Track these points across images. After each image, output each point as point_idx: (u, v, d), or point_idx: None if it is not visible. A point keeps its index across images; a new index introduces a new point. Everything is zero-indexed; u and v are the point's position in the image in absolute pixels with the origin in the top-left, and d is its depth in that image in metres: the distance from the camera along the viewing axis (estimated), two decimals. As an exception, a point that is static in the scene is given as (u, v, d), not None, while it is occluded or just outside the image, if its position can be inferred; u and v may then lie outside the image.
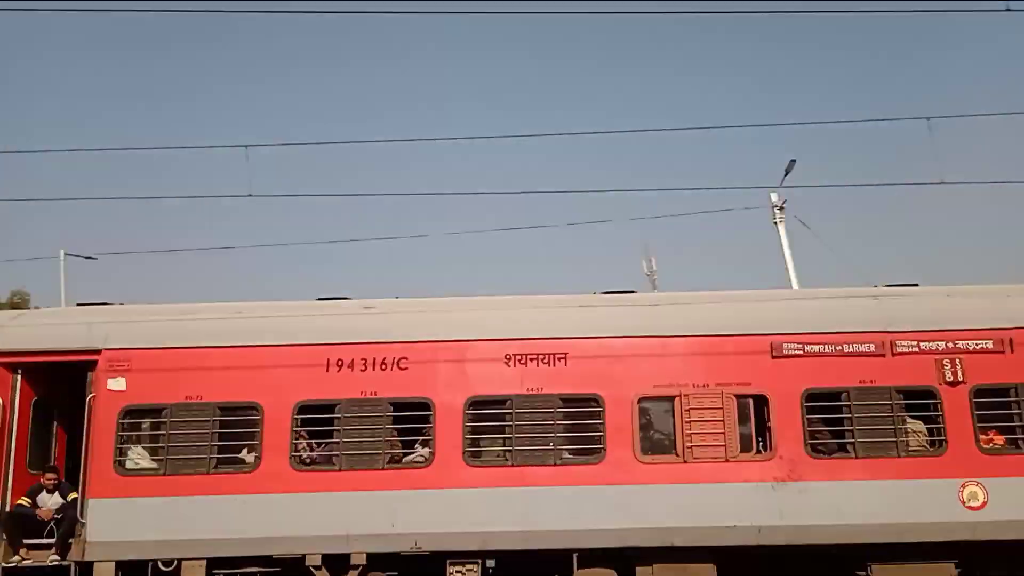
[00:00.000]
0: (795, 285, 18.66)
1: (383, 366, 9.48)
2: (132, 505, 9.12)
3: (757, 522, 9.15)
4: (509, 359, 9.55)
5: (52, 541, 9.34)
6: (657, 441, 9.48)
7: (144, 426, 9.40)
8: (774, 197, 19.86)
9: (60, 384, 10.07)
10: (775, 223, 19.81)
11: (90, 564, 9.06)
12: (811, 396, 9.48)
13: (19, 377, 9.56)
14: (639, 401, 9.44)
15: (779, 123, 41.31)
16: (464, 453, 9.28)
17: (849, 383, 9.50)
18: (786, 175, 19.87)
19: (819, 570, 9.60)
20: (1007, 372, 9.53)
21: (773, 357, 9.60)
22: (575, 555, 9.26)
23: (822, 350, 9.61)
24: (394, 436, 9.41)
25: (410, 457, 9.42)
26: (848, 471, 9.30)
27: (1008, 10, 9.20)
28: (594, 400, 9.44)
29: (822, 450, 9.49)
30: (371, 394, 9.40)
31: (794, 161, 19.50)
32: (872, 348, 9.62)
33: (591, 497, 9.20)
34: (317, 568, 9.12)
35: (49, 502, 9.53)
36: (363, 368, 9.47)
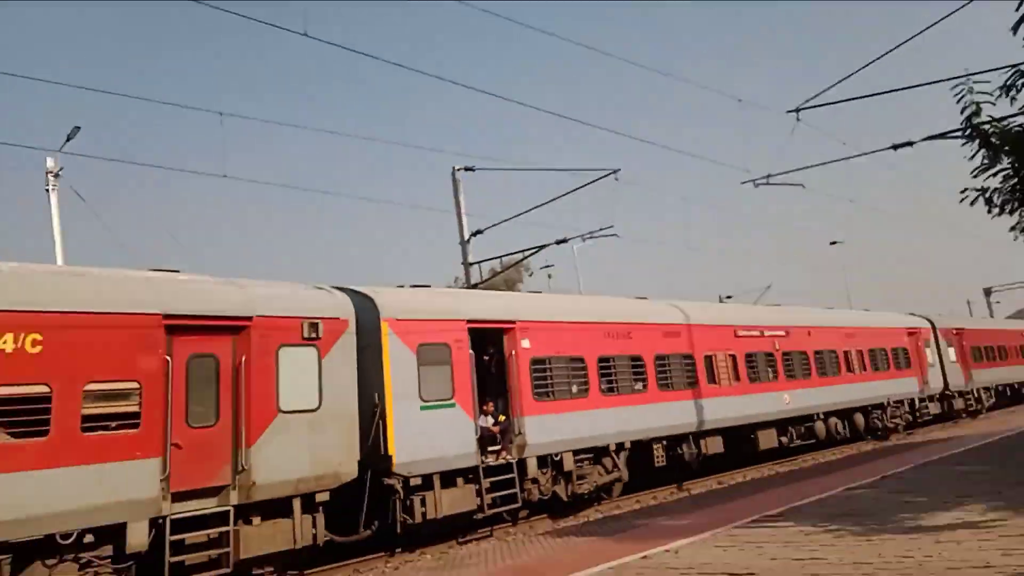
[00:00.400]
0: (60, 260, 18.27)
1: (625, 335, 16.47)
2: (543, 420, 14.19)
3: (734, 414, 19.10)
4: (678, 331, 17.58)
5: (498, 448, 13.58)
6: (712, 376, 18.64)
7: (541, 370, 14.38)
8: (50, 162, 18.89)
9: (454, 340, 13.92)
10: (48, 190, 18.81)
11: (523, 460, 13.80)
12: (748, 355, 19.94)
13: (452, 338, 13.42)
14: (704, 357, 18.49)
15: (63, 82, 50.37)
16: (657, 385, 16.94)
17: (748, 350, 20.31)
18: (67, 141, 19.27)
19: (738, 437, 19.93)
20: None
21: (736, 336, 19.80)
22: (691, 435, 17.75)
23: (751, 334, 20.23)
24: (633, 374, 16.45)
25: (638, 387, 16.58)
26: (739, 391, 20.00)
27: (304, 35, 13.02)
28: (690, 357, 18.14)
29: (753, 379, 20.00)
30: (627, 351, 16.30)
31: (78, 128, 18.93)
32: (759, 333, 20.66)
33: (691, 406, 17.86)
34: (611, 450, 15.62)
35: (489, 423, 13.62)
36: (623, 336, 16.30)
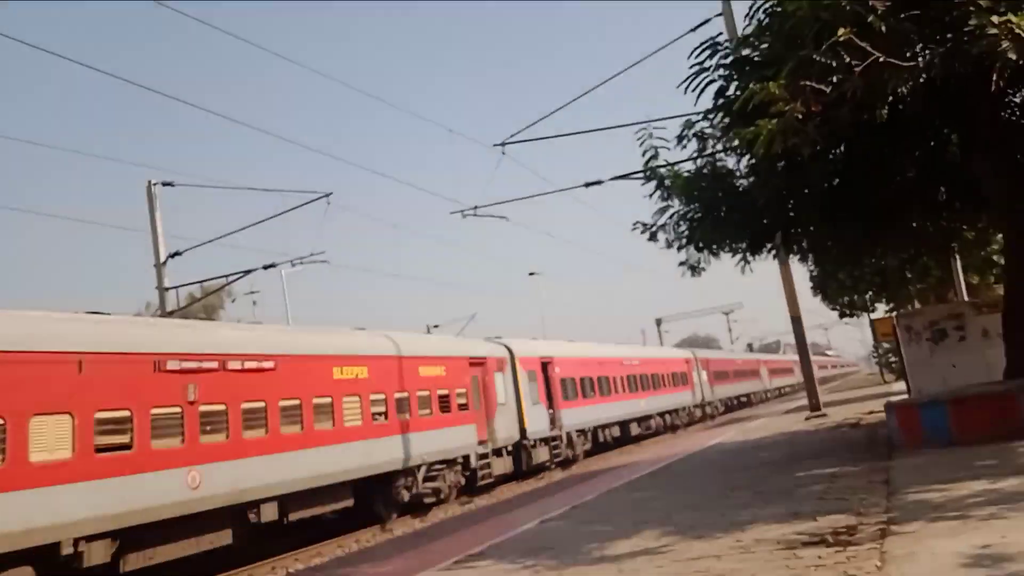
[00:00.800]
0: None
1: (588, 364, 28.94)
2: (567, 412, 26.17)
3: (625, 412, 32.38)
4: (605, 361, 30.31)
5: (551, 427, 25.27)
6: (617, 388, 31.64)
7: (564, 384, 26.32)
8: None
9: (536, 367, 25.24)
10: None
11: (561, 435, 25.63)
12: (628, 376, 33.34)
13: (536, 366, 25.02)
14: (614, 377, 31.52)
15: None
16: (599, 393, 29.57)
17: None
18: None
19: (622, 426, 33.18)
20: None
21: (622, 364, 33.11)
22: (612, 424, 30.56)
23: (627, 363, 33.68)
24: (591, 388, 28.90)
25: (593, 395, 29.04)
26: (625, 398, 33.49)
27: None
28: (608, 378, 31.07)
29: (631, 390, 33.35)
30: (591, 374, 28.73)
31: None
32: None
33: (612, 407, 30.76)
34: (586, 431, 27.87)
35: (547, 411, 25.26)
36: (588, 365, 28.70)
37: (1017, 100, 12.27)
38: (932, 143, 12.62)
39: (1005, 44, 7.68)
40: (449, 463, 18.94)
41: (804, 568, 5.96)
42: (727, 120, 11.10)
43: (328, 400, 15.16)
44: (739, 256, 13.93)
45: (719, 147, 12.73)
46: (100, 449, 10.81)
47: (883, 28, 8.09)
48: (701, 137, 12.56)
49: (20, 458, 9.85)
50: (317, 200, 20.04)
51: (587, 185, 17.60)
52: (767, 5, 10.32)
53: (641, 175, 13.29)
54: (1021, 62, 7.79)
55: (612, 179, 17.21)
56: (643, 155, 12.73)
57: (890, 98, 9.11)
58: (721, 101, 11.15)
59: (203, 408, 12.42)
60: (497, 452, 21.55)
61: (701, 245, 13.48)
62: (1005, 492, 7.67)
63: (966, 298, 20.71)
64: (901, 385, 26.12)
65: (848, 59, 7.97)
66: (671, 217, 13.15)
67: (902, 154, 12.35)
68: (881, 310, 31.19)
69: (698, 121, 12.26)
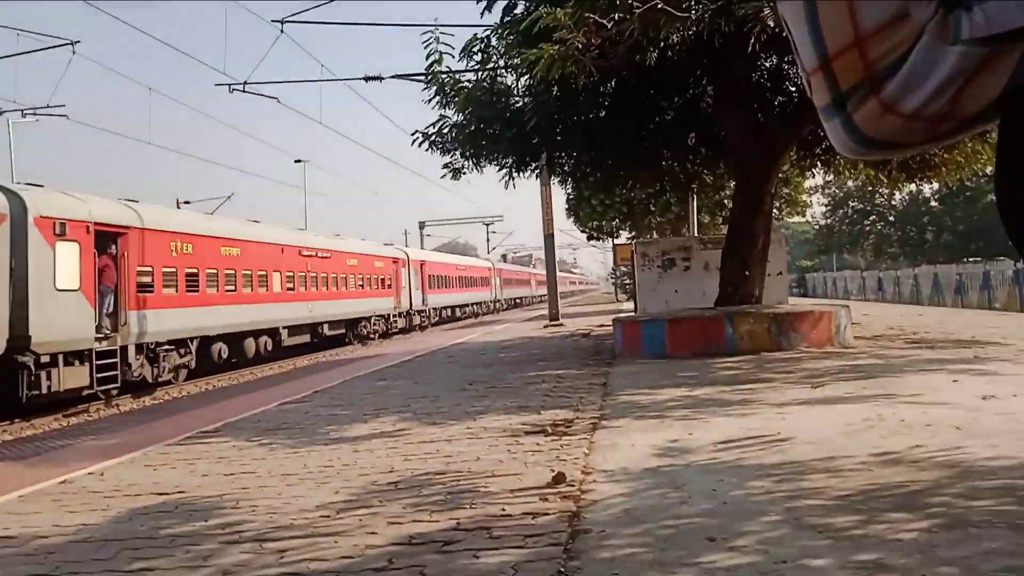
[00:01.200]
0: None
1: (447, 267, 42.01)
2: (431, 296, 39.39)
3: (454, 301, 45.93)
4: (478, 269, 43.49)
5: (423, 304, 38.14)
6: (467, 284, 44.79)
7: (433, 279, 39.14)
8: None
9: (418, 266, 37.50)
10: None
11: (428, 310, 38.57)
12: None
13: (418, 266, 37.57)
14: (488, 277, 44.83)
15: None
16: (447, 286, 42.76)
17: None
18: None
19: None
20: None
21: (457, 268, 46.40)
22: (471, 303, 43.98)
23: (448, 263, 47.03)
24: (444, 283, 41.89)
25: (443, 289, 42.02)
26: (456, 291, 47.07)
27: None
28: (475, 277, 44.22)
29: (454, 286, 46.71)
30: (445, 272, 41.74)
31: None
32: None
33: (467, 294, 44.13)
34: (452, 307, 40.99)
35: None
36: (450, 268, 41.68)
37: (767, 65, 13.06)
38: (691, 92, 13.34)
39: (767, 11, 8.05)
40: (381, 317, 31.98)
41: (523, 452, 6.28)
42: (512, 39, 11.10)
43: (345, 276, 28.04)
44: (504, 171, 14.12)
45: (501, 63, 12.77)
46: (287, 289, 23.24)
47: None
48: (485, 51, 12.48)
49: (270, 288, 22.29)
50: (60, 47, 17.68)
51: (367, 79, 17.11)
52: None
53: (423, 79, 13.19)
54: (777, 30, 7.92)
55: (393, 76, 16.86)
56: (427, 58, 12.52)
57: (662, 44, 9.34)
58: (509, 19, 11.25)
59: (311, 274, 24.90)
60: (400, 315, 34.48)
61: (469, 153, 13.56)
62: (698, 398, 8.35)
63: (696, 234, 22.44)
64: (631, 305, 28.79)
65: (631, 0, 8.06)
66: (447, 127, 13.22)
67: (664, 98, 13.01)
68: (624, 237, 34.20)
69: (485, 36, 12.10)
